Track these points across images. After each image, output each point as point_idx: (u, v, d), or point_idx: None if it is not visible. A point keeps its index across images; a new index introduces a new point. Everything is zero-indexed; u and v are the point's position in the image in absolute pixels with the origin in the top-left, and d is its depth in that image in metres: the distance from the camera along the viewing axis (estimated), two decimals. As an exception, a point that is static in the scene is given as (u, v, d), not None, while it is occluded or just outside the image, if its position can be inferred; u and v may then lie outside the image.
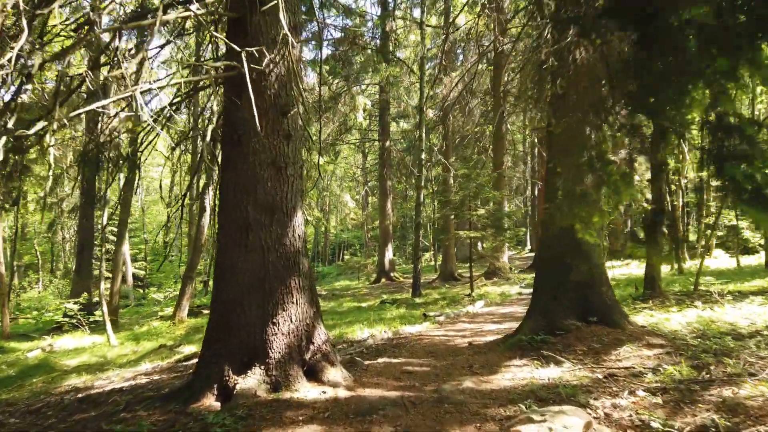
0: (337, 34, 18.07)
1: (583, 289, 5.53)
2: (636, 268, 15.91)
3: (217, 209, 5.08)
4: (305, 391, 4.13)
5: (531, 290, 12.22)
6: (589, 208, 3.30)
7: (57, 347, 11.05)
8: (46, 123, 3.52)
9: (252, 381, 4.09)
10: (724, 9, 2.10)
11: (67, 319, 13.04)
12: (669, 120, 2.26)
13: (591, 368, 4.35)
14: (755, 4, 2.12)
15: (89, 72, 4.19)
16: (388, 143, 21.59)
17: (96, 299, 14.27)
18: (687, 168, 14.37)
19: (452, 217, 16.63)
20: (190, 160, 18.82)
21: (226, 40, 4.14)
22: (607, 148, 3.08)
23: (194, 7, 3.78)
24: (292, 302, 4.44)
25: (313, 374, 4.37)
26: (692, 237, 18.80)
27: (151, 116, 5.75)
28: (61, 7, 6.38)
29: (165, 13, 3.76)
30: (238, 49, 3.78)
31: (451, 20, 16.52)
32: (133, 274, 27.03)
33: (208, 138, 4.30)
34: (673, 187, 14.13)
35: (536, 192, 26.61)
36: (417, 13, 20.81)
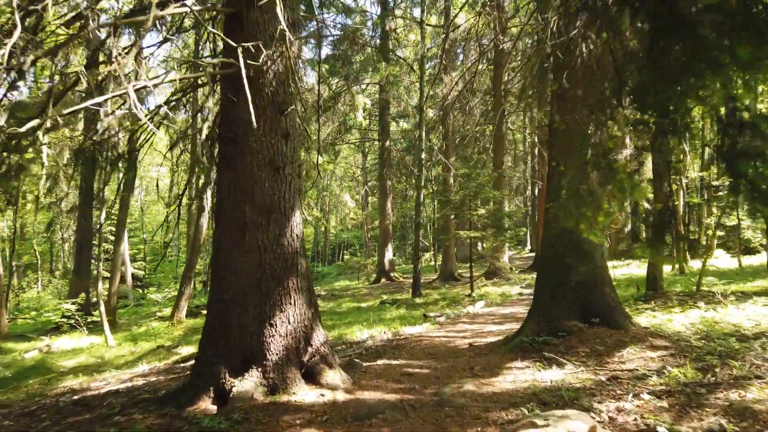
0: (337, 33, 17.99)
1: (585, 289, 5.46)
2: (637, 269, 15.83)
3: (214, 209, 5.01)
4: (303, 394, 4.06)
5: (531, 291, 12.16)
6: (594, 207, 3.22)
7: (54, 348, 10.97)
8: (38, 121, 3.44)
9: (249, 384, 4.01)
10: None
11: (65, 320, 12.96)
12: (681, 115, 2.18)
13: (594, 370, 4.27)
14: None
15: (84, 70, 4.11)
16: (388, 143, 21.51)
17: (95, 299, 14.20)
18: (688, 167, 14.30)
19: (452, 217, 16.56)
20: (190, 160, 18.74)
21: (223, 36, 4.06)
22: (613, 146, 3.00)
23: (190, 2, 3.71)
24: (290, 303, 4.36)
25: (311, 377, 4.30)
26: (692, 237, 18.70)
27: (148, 115, 5.68)
28: (57, 4, 6.31)
29: (160, 8, 3.68)
30: (234, 44, 3.70)
31: (451, 19, 16.44)
32: (133, 274, 26.93)
33: (203, 136, 4.21)
34: (674, 187, 14.05)
35: (536, 192, 26.53)
36: (417, 12, 20.76)
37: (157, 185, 10.08)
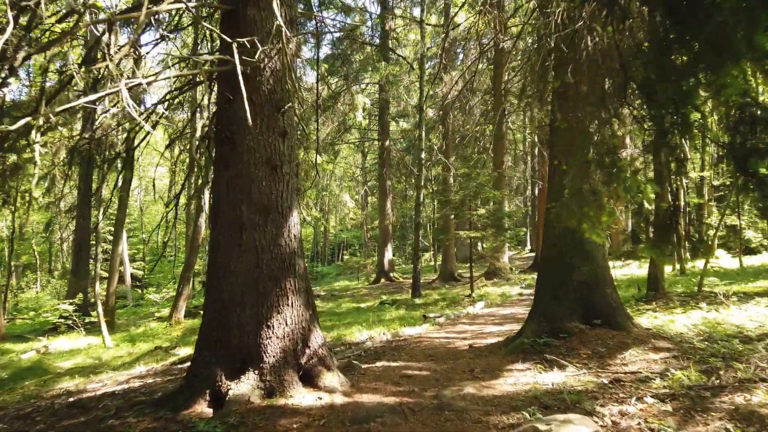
0: (336, 30, 17.94)
1: (587, 290, 5.40)
2: (637, 269, 15.79)
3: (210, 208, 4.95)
4: (300, 397, 3.99)
5: (531, 291, 12.09)
6: (597, 206, 3.15)
7: (52, 349, 10.90)
8: (30, 119, 3.37)
9: (245, 386, 3.94)
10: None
11: (62, 321, 12.89)
12: (691, 110, 2.12)
13: (596, 373, 4.21)
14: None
15: (77, 67, 4.05)
16: (387, 143, 21.45)
17: (93, 300, 14.12)
18: (689, 167, 14.24)
19: (452, 216, 16.50)
20: (188, 159, 18.66)
21: (218, 32, 3.99)
22: (617, 143, 2.94)
23: (185, -2, 3.64)
24: (287, 305, 4.29)
25: (309, 379, 4.23)
26: (695, 237, 18.63)
27: (144, 113, 5.61)
28: (52, 1, 6.25)
29: (155, 4, 3.62)
30: (229, 40, 3.64)
31: (451, 18, 16.37)
32: (132, 275, 26.86)
33: (198, 134, 4.14)
34: (675, 186, 13.98)
35: (536, 192, 26.46)
36: (417, 11, 20.70)
37: (154, 185, 10.02)
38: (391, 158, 22.26)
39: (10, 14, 3.54)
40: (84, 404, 4.96)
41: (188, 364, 5.97)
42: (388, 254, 21.57)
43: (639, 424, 3.06)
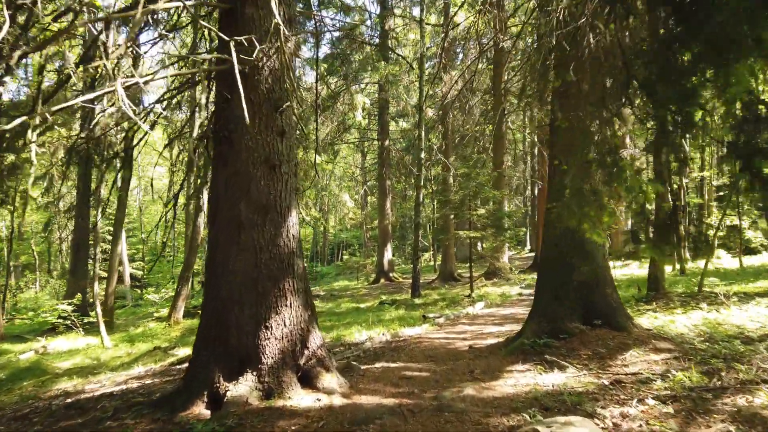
0: (336, 33, 17.91)
1: (587, 290, 5.37)
2: (637, 269, 15.76)
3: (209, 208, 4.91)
4: (299, 398, 3.96)
5: (531, 291, 12.06)
6: (597, 206, 3.13)
7: (51, 349, 10.86)
8: (26, 118, 3.34)
9: (243, 388, 3.92)
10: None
11: (61, 321, 12.85)
12: (700, 108, 2.09)
13: (596, 374, 4.18)
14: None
15: (74, 67, 4.02)
16: (387, 142, 21.42)
17: (92, 300, 14.08)
18: (690, 166, 14.21)
19: (452, 216, 16.47)
20: (187, 158, 18.61)
21: (215, 30, 3.96)
22: (618, 143, 2.91)
23: (183, -4, 3.61)
24: (286, 305, 4.27)
25: (308, 380, 4.20)
26: (690, 238, 18.58)
27: (141, 113, 5.58)
28: (50, 1, 6.21)
29: (152, 2, 3.59)
30: (227, 38, 3.61)
31: (450, 17, 16.35)
32: (131, 274, 26.83)
33: (195, 132, 4.12)
34: (675, 186, 13.96)
35: (536, 192, 26.44)
36: (416, 11, 20.67)
37: (152, 184, 9.97)
38: (391, 158, 22.22)
39: (6, 13, 3.51)
40: (82, 405, 4.93)
41: (187, 364, 5.95)
42: (388, 254, 21.54)
43: (640, 426, 3.03)
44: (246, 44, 3.80)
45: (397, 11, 20.83)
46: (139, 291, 26.82)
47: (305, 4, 12.68)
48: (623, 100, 2.74)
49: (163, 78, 4.28)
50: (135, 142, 6.53)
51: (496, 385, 4.22)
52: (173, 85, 5.47)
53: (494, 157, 18.22)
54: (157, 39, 6.08)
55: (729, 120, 2.12)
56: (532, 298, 6.20)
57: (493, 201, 15.04)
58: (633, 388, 3.74)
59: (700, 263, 11.78)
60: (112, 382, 6.48)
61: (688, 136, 2.62)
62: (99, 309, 11.12)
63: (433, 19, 20.95)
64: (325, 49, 19.39)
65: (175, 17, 6.40)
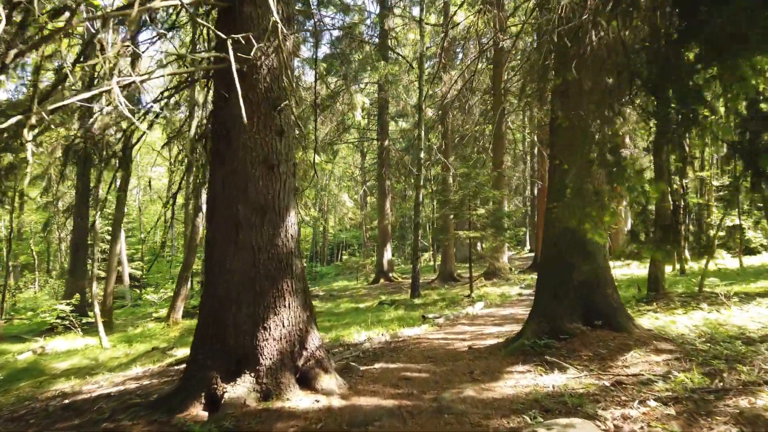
0: (335, 32, 17.89)
1: (588, 290, 5.34)
2: (637, 269, 15.73)
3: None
4: (297, 399, 3.93)
5: (531, 291, 12.03)
6: (599, 206, 3.09)
7: (49, 349, 10.82)
8: (21, 117, 3.31)
9: (241, 389, 3.88)
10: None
11: (59, 321, 12.80)
12: (705, 105, 2.05)
13: (597, 375, 4.15)
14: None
15: (71, 66, 3.98)
16: (386, 142, 21.37)
17: (90, 300, 14.03)
18: (687, 166, 14.17)
19: (451, 216, 16.43)
20: (185, 157, 18.56)
21: (212, 28, 3.93)
22: (620, 141, 2.87)
23: (180, -6, 3.58)
24: (284, 306, 4.23)
25: (306, 382, 4.17)
26: (690, 238, 18.55)
27: (138, 111, 5.54)
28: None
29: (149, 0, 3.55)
30: (224, 36, 3.57)
31: (450, 17, 16.32)
32: (130, 274, 26.77)
33: (192, 131, 4.08)
34: (675, 186, 13.92)
35: (536, 192, 26.41)
36: (416, 11, 20.64)
37: (150, 184, 9.94)
38: (390, 158, 22.18)
39: (2, 11, 3.48)
40: (78, 406, 4.90)
41: (185, 365, 5.92)
42: (387, 254, 21.50)
43: (642, 428, 3.00)
44: (244, 43, 3.77)
45: (397, 11, 20.80)
46: (138, 291, 26.77)
47: (304, 3, 12.64)
48: (626, 97, 2.70)
49: (160, 77, 4.25)
50: (134, 141, 6.50)
51: (496, 387, 4.19)
52: (171, 84, 5.44)
53: (494, 157, 18.18)
54: (155, 38, 6.05)
55: (734, 118, 2.08)
56: (532, 298, 6.17)
57: (493, 201, 15.00)
58: (634, 389, 3.71)
59: (701, 263, 11.74)
60: (110, 382, 6.44)
61: (690, 134, 2.59)
62: (97, 309, 11.08)
63: (432, 18, 20.91)
64: (324, 49, 19.37)
65: (174, 16, 6.37)
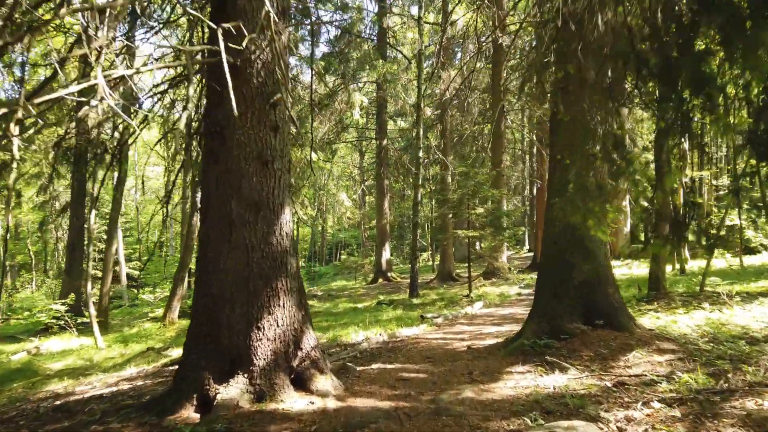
0: (334, 31, 17.79)
1: (588, 289, 5.25)
2: (636, 268, 15.66)
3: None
4: (291, 401, 3.83)
5: (530, 291, 11.94)
6: (602, 202, 3.00)
7: (43, 350, 10.71)
8: (6, 110, 3.20)
9: (234, 390, 3.78)
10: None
11: (54, 321, 12.69)
12: (720, 91, 1.95)
13: (599, 376, 4.06)
14: None
15: (58, 60, 3.88)
16: (385, 142, 21.28)
17: (86, 300, 13.92)
18: (687, 166, 14.11)
19: (450, 216, 16.34)
20: (178, 154, 18.44)
21: (203, 18, 3.83)
22: (625, 135, 2.78)
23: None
24: (279, 305, 4.13)
25: (301, 383, 4.07)
26: (691, 237, 18.52)
27: (133, 109, 5.44)
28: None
29: (139, -9, 3.45)
30: (215, 26, 3.47)
31: (448, 14, 16.22)
32: (128, 274, 26.65)
33: (182, 125, 3.98)
34: (675, 185, 13.85)
35: (535, 191, 26.33)
36: (414, 10, 20.55)
37: (143, 182, 9.85)
38: (389, 157, 22.09)
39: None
40: (69, 408, 4.80)
41: (178, 366, 5.82)
42: (386, 254, 21.41)
43: (646, 430, 2.91)
44: (235, 33, 3.67)
45: (396, 9, 20.71)
46: (135, 291, 26.64)
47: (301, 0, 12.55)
48: (633, 86, 2.60)
49: (149, 70, 4.15)
50: (128, 139, 6.40)
51: (495, 387, 4.09)
52: (164, 79, 5.34)
53: (493, 156, 18.10)
54: (149, 31, 5.94)
55: (747, 108, 2.00)
56: (531, 297, 6.08)
57: (492, 200, 14.92)
58: (637, 390, 3.62)
59: (700, 263, 11.67)
60: (103, 383, 6.34)
61: (704, 122, 2.49)
62: (92, 309, 10.97)
63: (431, 17, 20.82)
64: (323, 48, 19.32)
65: (168, 10, 6.27)
